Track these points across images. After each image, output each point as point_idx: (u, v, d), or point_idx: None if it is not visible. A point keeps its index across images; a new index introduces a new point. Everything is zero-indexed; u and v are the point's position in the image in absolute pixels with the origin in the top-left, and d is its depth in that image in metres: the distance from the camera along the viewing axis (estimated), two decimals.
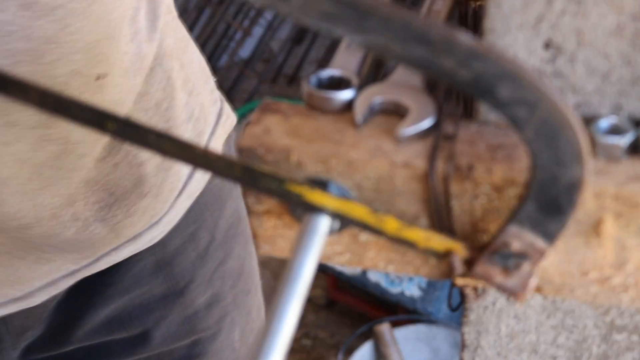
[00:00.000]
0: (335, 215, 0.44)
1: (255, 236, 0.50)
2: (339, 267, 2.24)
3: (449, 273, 0.48)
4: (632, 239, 0.44)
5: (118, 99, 0.80)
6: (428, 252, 0.45)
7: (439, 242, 0.45)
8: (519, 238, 0.43)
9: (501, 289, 0.44)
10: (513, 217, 0.43)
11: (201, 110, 0.94)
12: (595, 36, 0.44)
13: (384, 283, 2.23)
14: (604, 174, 0.44)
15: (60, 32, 0.70)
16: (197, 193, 0.95)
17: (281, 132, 0.47)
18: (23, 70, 0.69)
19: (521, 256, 0.43)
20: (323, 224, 0.44)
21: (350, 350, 2.12)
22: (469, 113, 0.51)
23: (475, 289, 0.49)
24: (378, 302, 2.28)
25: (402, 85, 0.49)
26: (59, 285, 0.88)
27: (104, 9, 0.73)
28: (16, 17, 0.66)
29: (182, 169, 0.92)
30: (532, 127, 0.39)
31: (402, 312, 2.21)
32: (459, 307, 0.59)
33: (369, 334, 2.15)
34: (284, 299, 0.40)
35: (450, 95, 0.50)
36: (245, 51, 3.47)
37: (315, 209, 0.44)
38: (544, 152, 0.40)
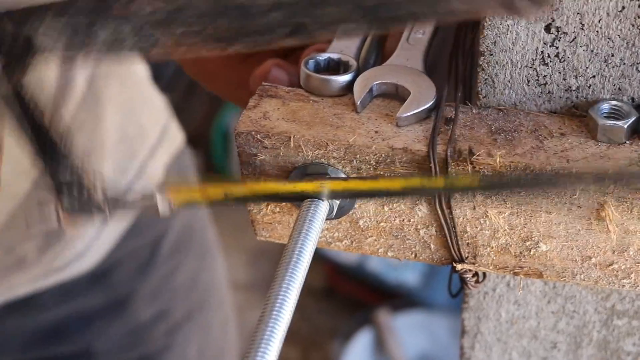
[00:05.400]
0: (335, 195, 0.44)
1: (253, 222, 0.50)
2: (338, 255, 2.24)
3: (449, 259, 0.48)
4: (635, 223, 0.44)
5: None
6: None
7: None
8: None
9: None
10: None
11: (139, 130, 0.91)
12: (597, 18, 0.44)
13: (382, 270, 2.22)
14: (605, 158, 0.43)
15: None
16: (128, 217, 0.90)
17: (279, 116, 0.46)
18: None
19: None
20: (321, 209, 0.44)
21: (348, 337, 2.12)
22: (468, 97, 0.50)
23: (475, 274, 0.49)
24: (377, 290, 2.28)
25: (402, 68, 0.48)
26: None
27: None
28: None
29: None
30: None
31: (401, 299, 2.21)
32: (458, 293, 0.58)
33: (367, 321, 2.14)
34: (283, 282, 0.40)
35: (450, 78, 0.50)
36: None
37: (312, 196, 0.44)
38: None
